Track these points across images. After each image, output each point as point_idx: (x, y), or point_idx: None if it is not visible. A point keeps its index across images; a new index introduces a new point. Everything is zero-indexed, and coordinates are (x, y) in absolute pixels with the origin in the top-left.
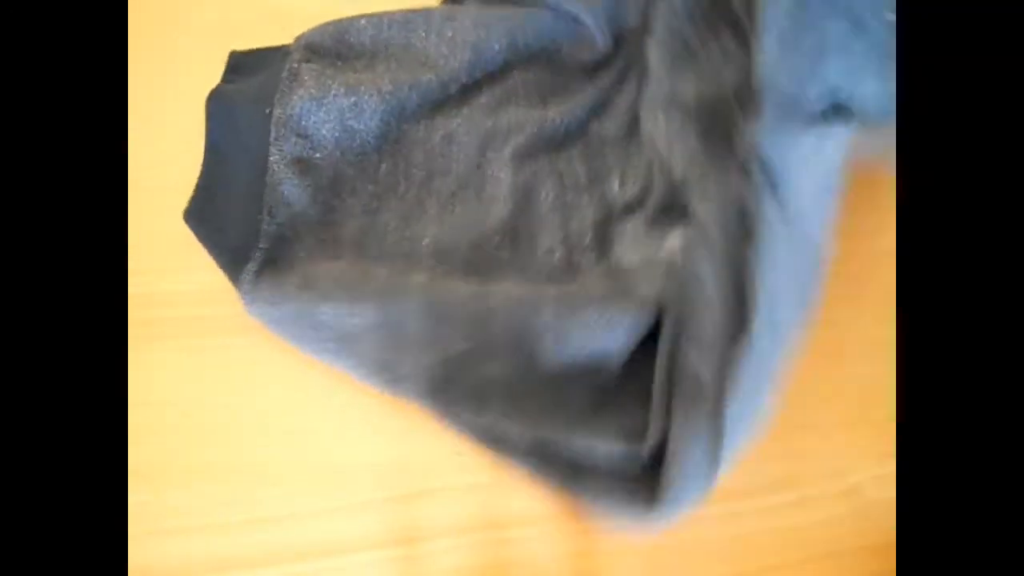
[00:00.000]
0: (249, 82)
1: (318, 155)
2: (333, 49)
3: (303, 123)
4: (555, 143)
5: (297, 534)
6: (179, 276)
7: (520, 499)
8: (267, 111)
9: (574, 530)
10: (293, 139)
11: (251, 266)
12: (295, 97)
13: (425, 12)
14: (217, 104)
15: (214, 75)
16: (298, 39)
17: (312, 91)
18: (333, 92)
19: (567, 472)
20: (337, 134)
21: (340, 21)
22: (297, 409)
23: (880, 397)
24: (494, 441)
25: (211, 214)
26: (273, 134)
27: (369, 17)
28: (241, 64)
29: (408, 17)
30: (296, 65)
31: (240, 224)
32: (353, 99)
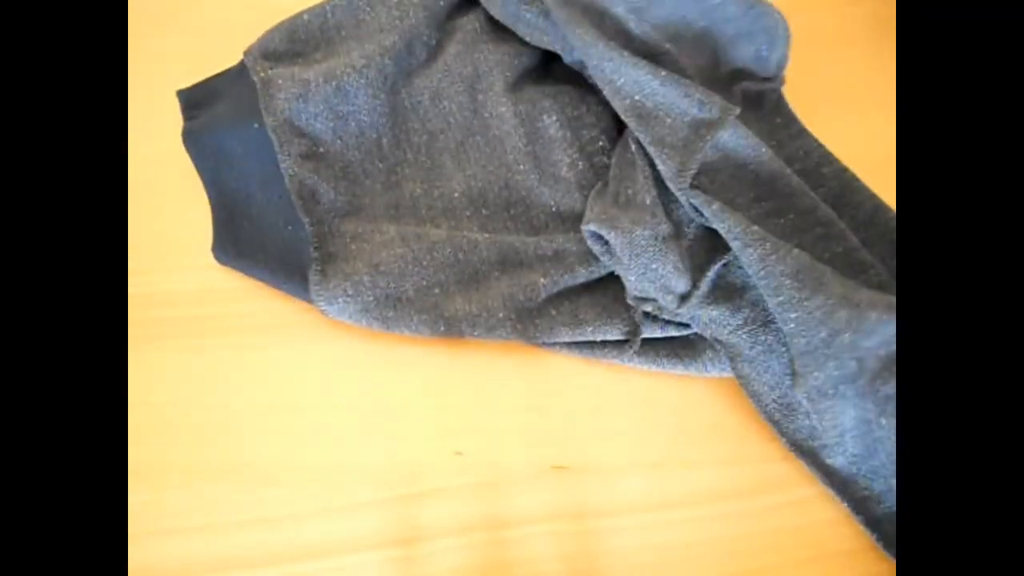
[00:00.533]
0: (216, 110)
1: (321, 149)
2: (288, 50)
3: (297, 123)
4: (535, 72)
5: (297, 534)
6: (179, 276)
7: (520, 499)
8: (255, 126)
9: (574, 530)
10: (296, 140)
11: (315, 266)
12: (279, 101)
13: None
14: (196, 140)
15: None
16: (248, 53)
17: (293, 90)
18: (313, 84)
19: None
20: (332, 124)
21: (283, 24)
22: (297, 409)
23: None
24: (591, 350)
25: (243, 244)
26: (276, 141)
27: (310, 10)
28: (195, 99)
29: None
30: (264, 74)
31: (278, 240)
32: (334, 83)
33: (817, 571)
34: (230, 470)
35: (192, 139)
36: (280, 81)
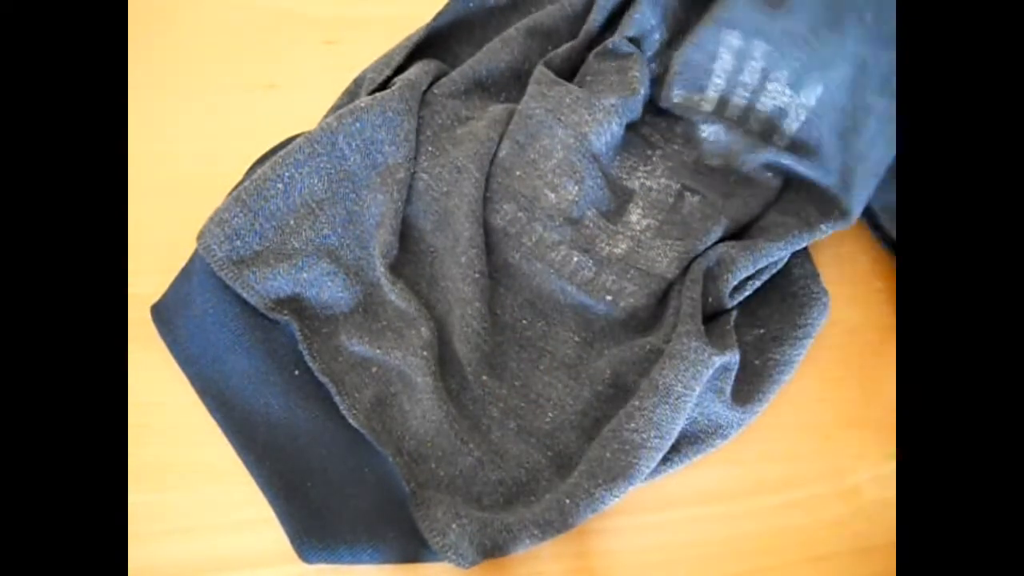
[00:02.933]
0: (221, 359)
1: (373, 369)
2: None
3: (348, 357)
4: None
5: None
6: None
7: None
8: (296, 373)
9: (574, 530)
10: (349, 377)
11: (414, 500)
12: (326, 348)
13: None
14: (229, 417)
15: (214, 75)
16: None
17: (324, 329)
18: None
19: None
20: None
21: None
22: None
23: (880, 397)
24: None
25: (328, 523)
26: (333, 388)
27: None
28: (165, 312)
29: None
30: (286, 318)
31: (360, 495)
32: (361, 311)
33: (817, 571)
34: (230, 470)
35: (223, 413)
36: (307, 324)
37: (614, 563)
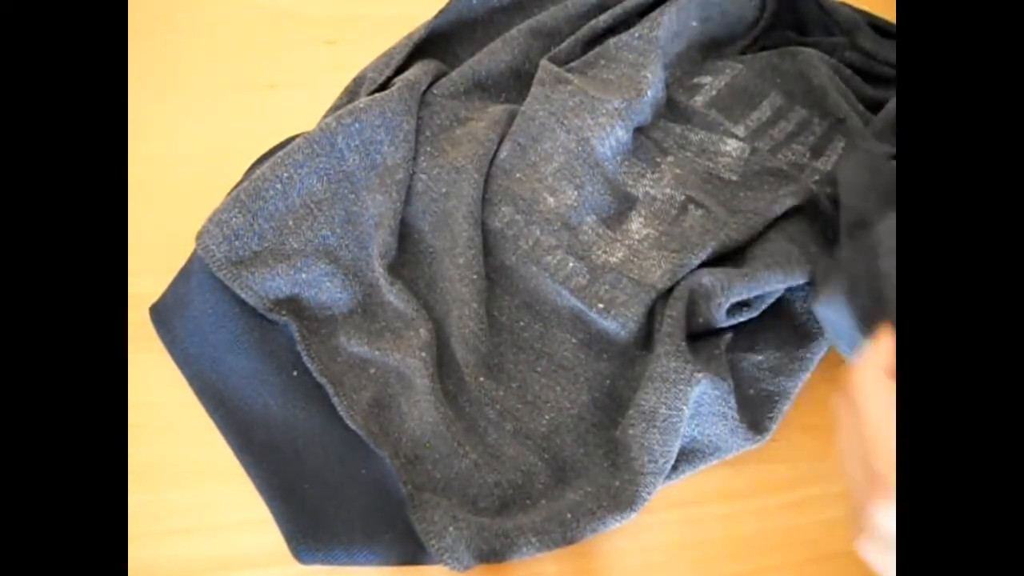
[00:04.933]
0: (222, 360)
1: (371, 370)
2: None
3: (343, 357)
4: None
5: None
6: None
7: None
8: (294, 373)
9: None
10: (348, 379)
11: (411, 502)
12: (325, 347)
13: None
14: (225, 414)
15: (214, 75)
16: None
17: (324, 331)
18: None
19: None
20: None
21: (237, 222)
22: None
23: None
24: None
25: (324, 523)
26: (331, 389)
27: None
28: (164, 312)
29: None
30: (284, 317)
31: (359, 497)
32: (361, 310)
33: (817, 571)
34: (230, 470)
35: (221, 413)
36: (307, 322)
37: (614, 563)
